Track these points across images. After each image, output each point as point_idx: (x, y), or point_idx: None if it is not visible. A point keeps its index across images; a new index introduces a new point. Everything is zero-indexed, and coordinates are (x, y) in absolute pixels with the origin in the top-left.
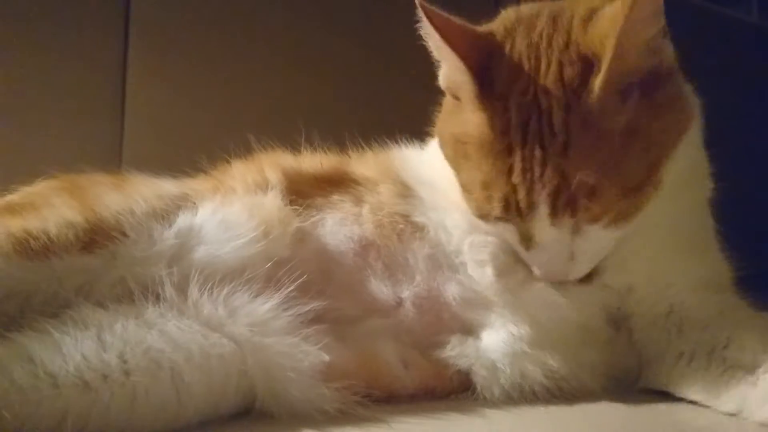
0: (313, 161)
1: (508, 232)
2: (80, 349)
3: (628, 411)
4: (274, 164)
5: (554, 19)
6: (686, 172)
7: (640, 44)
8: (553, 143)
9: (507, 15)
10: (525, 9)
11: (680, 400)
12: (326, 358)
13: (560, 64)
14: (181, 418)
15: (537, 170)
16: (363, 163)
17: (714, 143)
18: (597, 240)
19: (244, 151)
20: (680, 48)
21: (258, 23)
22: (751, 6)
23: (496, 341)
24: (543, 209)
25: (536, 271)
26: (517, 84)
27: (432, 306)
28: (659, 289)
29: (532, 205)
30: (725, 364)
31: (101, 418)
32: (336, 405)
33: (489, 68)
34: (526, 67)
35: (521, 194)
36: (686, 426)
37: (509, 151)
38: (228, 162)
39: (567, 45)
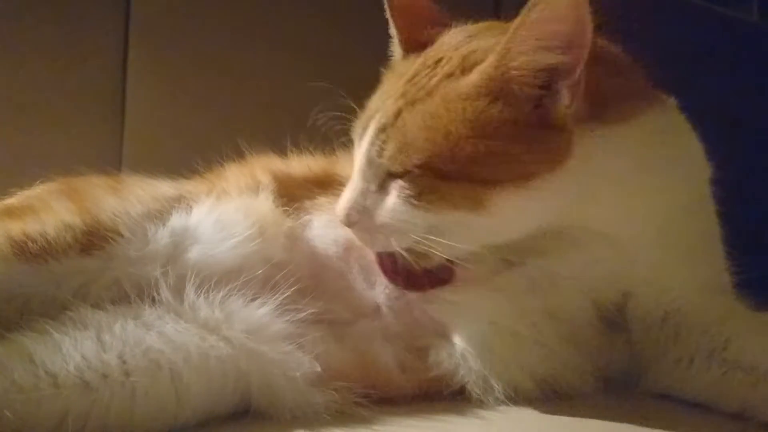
0: (302, 164)
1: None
2: (80, 350)
3: (629, 412)
4: (264, 168)
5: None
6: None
7: (526, 63)
8: (415, 92)
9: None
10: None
11: (681, 401)
12: (318, 368)
13: (476, 50)
14: (179, 418)
15: (388, 104)
16: (349, 164)
17: (714, 143)
18: (395, 208)
19: (241, 153)
20: (680, 48)
21: (258, 23)
22: (752, 6)
23: (466, 347)
24: (368, 137)
25: (337, 208)
26: (435, 47)
27: (404, 307)
28: (656, 295)
29: (366, 128)
30: (725, 365)
31: (101, 417)
32: (333, 407)
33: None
34: (454, 41)
35: (366, 119)
36: (687, 427)
37: (391, 89)
38: (222, 165)
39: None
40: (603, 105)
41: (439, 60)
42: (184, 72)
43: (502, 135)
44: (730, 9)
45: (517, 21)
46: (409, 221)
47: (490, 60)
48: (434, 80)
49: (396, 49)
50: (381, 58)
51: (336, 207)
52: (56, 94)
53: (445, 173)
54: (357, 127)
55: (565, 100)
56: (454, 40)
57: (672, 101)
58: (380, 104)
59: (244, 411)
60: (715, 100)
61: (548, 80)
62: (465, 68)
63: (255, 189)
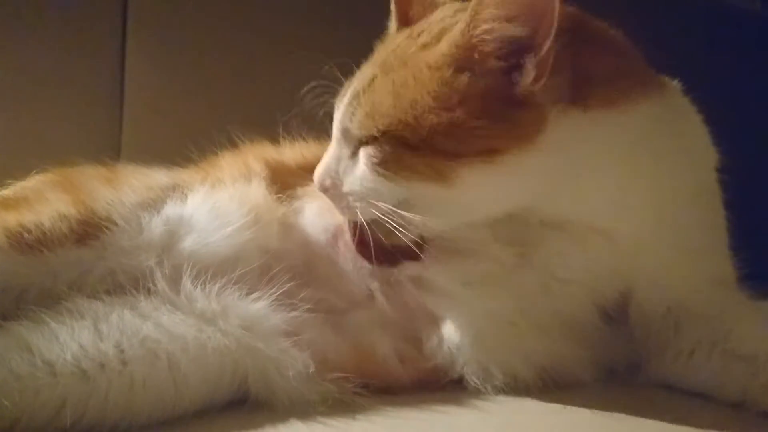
0: (295, 151)
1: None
2: (77, 339)
3: (628, 402)
4: (257, 156)
5: None
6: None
7: (491, 32)
8: (392, 61)
9: None
10: None
11: (682, 391)
12: (312, 367)
13: (456, 23)
14: (177, 407)
15: (366, 70)
16: None
17: (718, 133)
18: (362, 176)
19: (237, 141)
20: (683, 39)
21: (256, 12)
22: None
23: (462, 336)
24: (343, 103)
25: (314, 173)
26: (424, 21)
27: (397, 294)
28: (658, 292)
29: (343, 96)
30: (726, 356)
31: (99, 406)
32: (331, 397)
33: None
34: (442, 14)
35: (347, 87)
36: (687, 416)
37: (375, 60)
38: (216, 154)
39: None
40: (588, 87)
41: (422, 32)
42: (182, 61)
43: (467, 107)
44: None
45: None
46: (374, 189)
47: (457, 29)
48: (411, 50)
49: (392, 23)
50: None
51: (315, 179)
52: (54, 83)
53: (409, 142)
54: (339, 95)
55: (530, 76)
56: (443, 13)
57: (675, 84)
58: (361, 74)
59: (242, 400)
60: (717, 89)
61: (515, 54)
62: (439, 39)
63: (248, 177)
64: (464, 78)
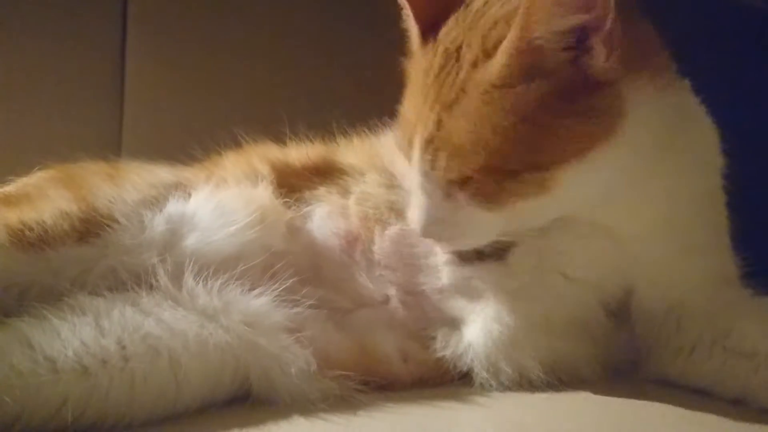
0: (300, 152)
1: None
2: (79, 335)
3: (629, 398)
4: (262, 157)
5: None
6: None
7: (549, 29)
8: (448, 93)
9: None
10: None
11: (682, 387)
12: (315, 365)
13: (494, 25)
14: (179, 404)
15: (425, 113)
16: (350, 152)
17: (723, 130)
18: (466, 214)
19: (240, 141)
20: (686, 34)
21: (259, 9)
22: None
23: (475, 337)
24: (416, 152)
25: (410, 220)
26: (452, 33)
27: (417, 301)
28: (660, 291)
29: (411, 145)
30: (726, 353)
31: (101, 403)
32: (332, 394)
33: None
34: (469, 20)
35: (408, 131)
36: (687, 412)
37: (422, 91)
38: (220, 153)
39: (516, 9)
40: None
41: (460, 47)
42: (183, 58)
43: (550, 111)
44: None
45: None
46: (488, 222)
47: (512, 37)
48: (462, 74)
49: (411, 27)
50: (386, 44)
51: (414, 226)
52: (55, 80)
53: (506, 169)
54: (400, 140)
55: (602, 54)
56: (468, 15)
57: (685, 83)
58: (416, 113)
59: (244, 396)
60: (722, 85)
61: (579, 39)
62: (487, 51)
63: (253, 178)
64: (537, 82)
